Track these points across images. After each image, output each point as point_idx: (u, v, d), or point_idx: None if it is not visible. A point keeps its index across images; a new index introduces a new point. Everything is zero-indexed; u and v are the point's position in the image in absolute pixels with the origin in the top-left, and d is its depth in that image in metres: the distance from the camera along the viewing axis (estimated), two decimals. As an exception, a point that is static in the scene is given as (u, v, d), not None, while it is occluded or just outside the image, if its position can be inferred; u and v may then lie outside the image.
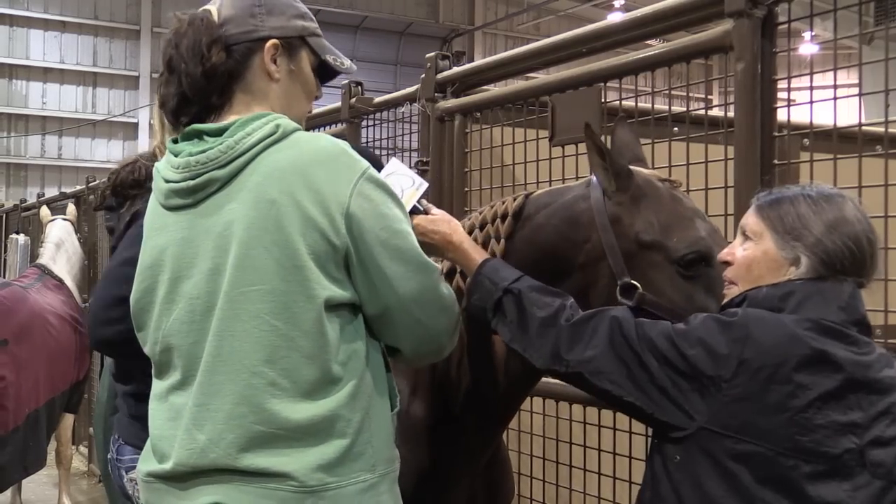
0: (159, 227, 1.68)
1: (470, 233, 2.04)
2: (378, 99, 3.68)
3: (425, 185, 1.96)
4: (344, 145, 1.63)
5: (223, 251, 1.56)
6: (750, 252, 1.60)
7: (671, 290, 1.70)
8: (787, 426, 1.46)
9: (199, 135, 1.64)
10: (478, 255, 1.87)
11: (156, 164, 1.74)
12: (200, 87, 1.63)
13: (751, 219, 1.63)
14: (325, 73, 1.77)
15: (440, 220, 1.93)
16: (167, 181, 1.66)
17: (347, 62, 1.79)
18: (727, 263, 1.65)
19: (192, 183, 1.61)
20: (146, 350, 1.72)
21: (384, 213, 1.59)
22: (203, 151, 1.60)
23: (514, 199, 1.99)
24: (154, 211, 1.71)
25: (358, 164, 1.60)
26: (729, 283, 1.65)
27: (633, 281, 1.75)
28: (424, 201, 1.97)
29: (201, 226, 1.60)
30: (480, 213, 2.07)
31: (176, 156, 1.65)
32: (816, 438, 1.46)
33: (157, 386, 1.68)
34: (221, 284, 1.56)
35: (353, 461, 1.55)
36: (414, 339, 1.66)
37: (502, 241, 1.95)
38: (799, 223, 1.56)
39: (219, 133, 1.62)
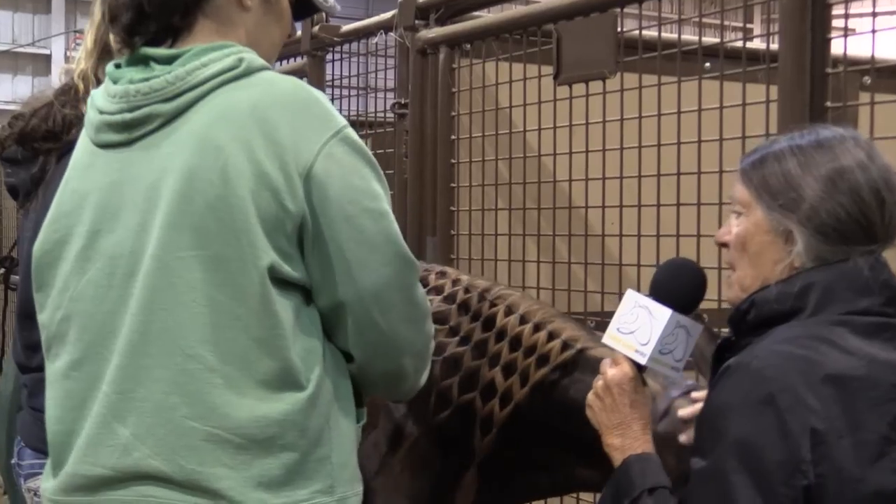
0: (84, 166, 1.64)
1: (498, 338, 2.04)
2: (346, 27, 3.69)
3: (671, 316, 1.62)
4: (319, 95, 1.60)
5: (154, 204, 1.53)
6: (742, 227, 1.53)
7: None
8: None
9: (146, 61, 1.60)
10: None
11: (92, 91, 1.70)
12: (160, 1, 1.58)
13: (737, 187, 1.55)
14: (300, 8, 1.74)
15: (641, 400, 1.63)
16: (101, 112, 1.61)
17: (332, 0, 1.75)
18: (724, 245, 1.59)
19: (128, 116, 1.57)
20: (42, 317, 1.66)
21: (355, 185, 1.54)
22: (146, 80, 1.56)
23: (563, 348, 1.97)
24: (83, 147, 1.67)
25: (333, 119, 1.56)
26: (729, 267, 1.59)
27: None
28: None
29: (133, 170, 1.56)
30: (515, 315, 2.06)
31: (115, 83, 1.61)
32: None
33: (52, 369, 1.63)
34: (149, 244, 1.52)
35: (305, 479, 1.51)
36: (367, 346, 1.58)
37: (528, 386, 1.98)
38: (786, 185, 1.47)
39: (169, 61, 1.57)
